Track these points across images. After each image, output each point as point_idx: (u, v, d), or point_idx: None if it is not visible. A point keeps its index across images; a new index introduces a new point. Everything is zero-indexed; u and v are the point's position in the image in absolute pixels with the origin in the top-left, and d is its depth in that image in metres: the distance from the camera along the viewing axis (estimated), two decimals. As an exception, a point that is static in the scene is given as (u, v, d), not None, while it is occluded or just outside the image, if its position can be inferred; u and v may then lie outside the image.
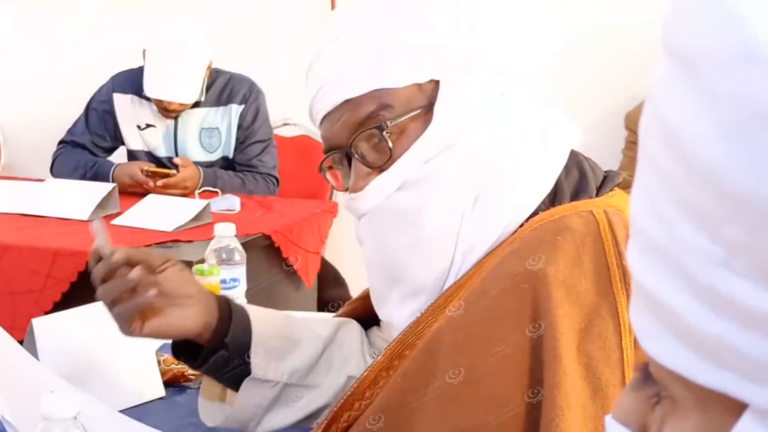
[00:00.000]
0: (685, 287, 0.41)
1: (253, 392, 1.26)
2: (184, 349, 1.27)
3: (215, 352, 1.24)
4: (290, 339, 1.29)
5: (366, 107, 1.10)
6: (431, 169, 1.09)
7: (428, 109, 1.10)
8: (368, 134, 1.11)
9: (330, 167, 1.18)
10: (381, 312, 1.18)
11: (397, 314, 1.14)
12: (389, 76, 1.09)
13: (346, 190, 1.15)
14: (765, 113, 0.37)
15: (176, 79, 3.28)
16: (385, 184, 1.10)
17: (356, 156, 1.12)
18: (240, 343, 1.24)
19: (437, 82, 1.10)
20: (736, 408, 0.40)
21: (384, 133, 1.09)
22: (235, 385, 1.27)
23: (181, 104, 3.33)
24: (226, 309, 1.25)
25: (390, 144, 1.10)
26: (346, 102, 1.11)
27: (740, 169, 0.38)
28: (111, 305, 1.19)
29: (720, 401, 0.40)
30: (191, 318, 1.21)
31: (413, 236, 1.10)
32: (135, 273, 1.17)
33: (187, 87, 3.31)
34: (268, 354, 1.26)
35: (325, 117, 1.14)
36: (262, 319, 1.28)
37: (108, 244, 1.19)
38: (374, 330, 1.37)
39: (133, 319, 1.19)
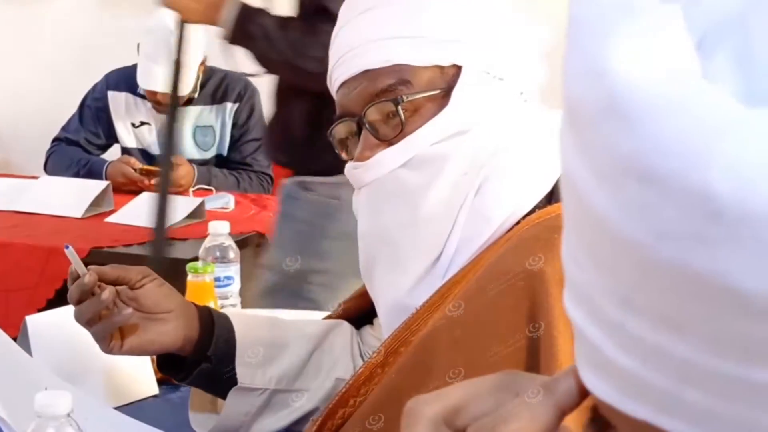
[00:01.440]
0: (600, 325, 0.42)
1: (241, 401, 1.25)
2: (169, 361, 1.27)
3: (199, 365, 1.24)
4: (276, 344, 1.28)
5: (385, 79, 1.10)
6: (439, 151, 1.09)
7: (446, 93, 1.10)
8: (383, 106, 1.10)
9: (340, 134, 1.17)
10: (368, 287, 1.18)
11: (383, 293, 1.14)
12: (413, 53, 1.09)
13: (352, 158, 1.15)
14: (628, 166, 0.38)
15: (168, 70, 3.25)
16: (391, 157, 1.10)
17: (367, 126, 1.11)
18: (224, 354, 1.24)
19: (459, 68, 1.10)
20: None
21: (398, 107, 1.09)
22: (224, 394, 1.26)
23: (174, 97, 3.31)
24: (209, 320, 1.25)
25: (403, 118, 1.09)
26: (366, 72, 1.11)
27: (616, 216, 0.39)
28: (87, 325, 1.19)
29: (649, 428, 0.42)
30: (171, 333, 1.21)
31: (410, 215, 1.09)
32: (106, 293, 1.17)
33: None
34: (253, 362, 1.25)
35: (343, 84, 1.14)
36: (246, 326, 1.27)
37: (82, 266, 1.19)
38: (367, 329, 1.37)
39: (111, 337, 1.19)
